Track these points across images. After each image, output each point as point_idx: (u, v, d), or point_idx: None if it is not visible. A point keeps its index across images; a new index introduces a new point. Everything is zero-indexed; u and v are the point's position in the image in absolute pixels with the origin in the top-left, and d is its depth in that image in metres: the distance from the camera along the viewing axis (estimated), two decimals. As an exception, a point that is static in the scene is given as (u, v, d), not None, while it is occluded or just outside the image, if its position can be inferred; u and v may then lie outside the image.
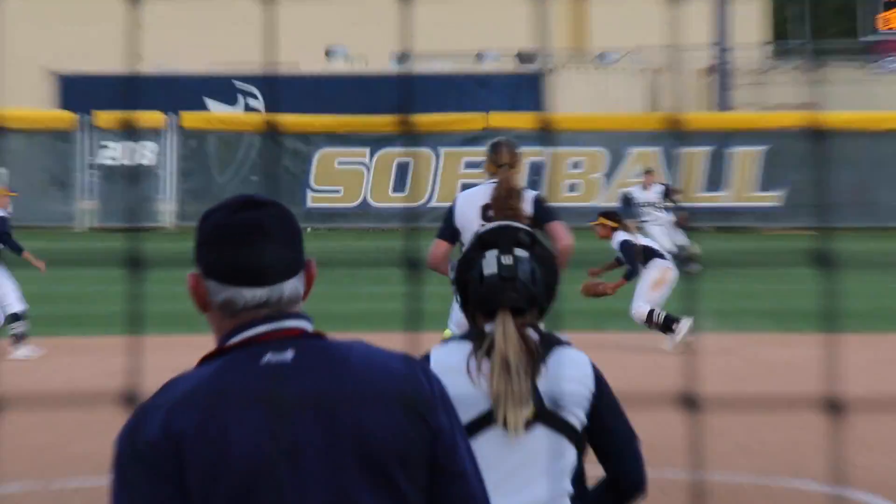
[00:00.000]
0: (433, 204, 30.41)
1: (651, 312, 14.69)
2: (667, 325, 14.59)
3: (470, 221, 8.13)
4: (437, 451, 2.58)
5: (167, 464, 2.44)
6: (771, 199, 31.89)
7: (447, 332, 8.70)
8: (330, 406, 2.50)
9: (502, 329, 3.88)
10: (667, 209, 21.87)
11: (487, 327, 3.91)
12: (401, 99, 29.49)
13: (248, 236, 2.59)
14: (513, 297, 3.92)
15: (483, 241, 4.00)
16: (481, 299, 3.93)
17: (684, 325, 14.19)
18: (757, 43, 42.12)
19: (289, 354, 2.54)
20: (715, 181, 32.35)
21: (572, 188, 32.18)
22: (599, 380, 3.95)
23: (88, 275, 22.40)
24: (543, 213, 8.49)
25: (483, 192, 8.47)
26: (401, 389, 2.57)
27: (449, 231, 8.43)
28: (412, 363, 2.67)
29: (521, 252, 3.99)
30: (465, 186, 31.17)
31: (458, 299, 4.16)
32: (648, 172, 23.97)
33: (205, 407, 2.49)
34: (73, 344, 15.37)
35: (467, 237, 7.32)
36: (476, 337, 3.91)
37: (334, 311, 15.25)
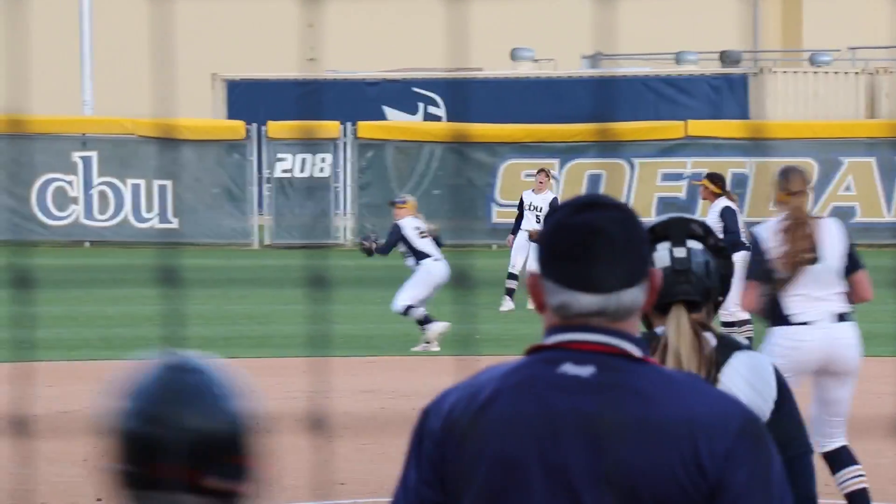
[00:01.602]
0: (628, 220, 30.26)
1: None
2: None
3: (774, 253, 8.55)
4: None
5: (436, 451, 2.61)
6: None
7: None
8: (602, 431, 2.53)
9: (676, 323, 3.97)
10: None
11: (659, 329, 3.99)
12: (596, 105, 29.34)
13: (588, 239, 2.63)
14: (686, 289, 4.03)
15: (655, 234, 4.06)
16: None
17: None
18: None
19: (589, 369, 2.58)
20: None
21: (777, 203, 31.67)
22: (783, 388, 4.00)
23: (265, 293, 22.98)
24: (850, 261, 8.65)
25: (777, 221, 8.69)
26: (691, 432, 2.53)
27: (762, 270, 8.64)
28: (732, 408, 2.65)
29: (694, 244, 4.12)
30: (662, 200, 31.11)
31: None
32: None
33: (481, 407, 2.61)
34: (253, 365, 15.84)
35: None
36: (648, 339, 3.87)
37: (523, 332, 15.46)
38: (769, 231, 8.65)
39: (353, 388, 14.13)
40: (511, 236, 21.95)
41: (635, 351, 2.61)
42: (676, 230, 4.14)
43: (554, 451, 2.56)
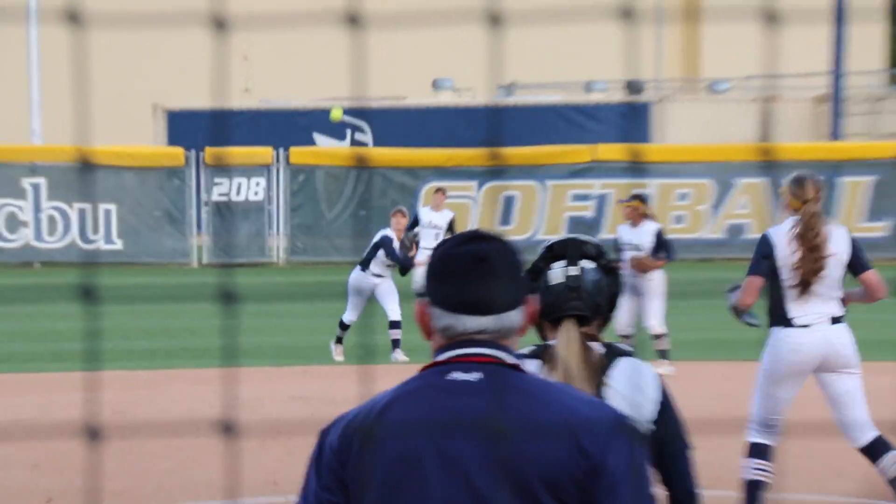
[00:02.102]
0: (539, 237, 31.33)
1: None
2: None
3: (785, 258, 8.37)
4: (593, 488, 2.84)
5: (335, 460, 2.93)
6: (878, 229, 32.37)
7: None
8: (492, 426, 2.84)
9: (566, 336, 4.29)
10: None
11: (553, 341, 4.32)
12: (490, 131, 30.18)
13: (473, 266, 2.92)
14: (577, 304, 4.34)
15: (553, 253, 4.46)
16: (547, 307, 4.26)
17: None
18: (876, 69, 42.44)
19: (477, 375, 2.89)
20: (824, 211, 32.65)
21: (679, 220, 32.81)
22: (664, 391, 4.25)
23: (203, 309, 23.35)
24: (857, 262, 8.55)
25: (789, 227, 8.46)
26: (571, 426, 2.85)
27: (767, 268, 8.48)
28: (601, 409, 3.07)
29: (587, 263, 4.43)
30: (572, 219, 32.42)
31: None
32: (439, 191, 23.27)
33: (379, 413, 2.91)
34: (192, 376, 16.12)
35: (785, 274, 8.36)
36: (543, 350, 4.32)
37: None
38: (781, 235, 8.42)
39: (286, 395, 14.53)
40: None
41: (517, 363, 2.94)
42: (572, 250, 4.42)
43: (449, 446, 2.84)
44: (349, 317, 17.15)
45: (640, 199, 15.90)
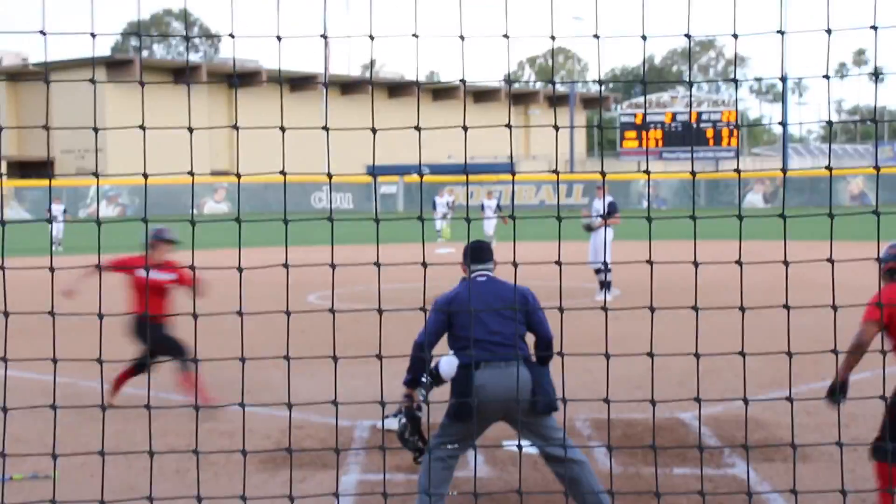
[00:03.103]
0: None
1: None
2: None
3: None
4: (528, 311, 7.99)
5: (445, 308, 7.95)
6: None
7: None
8: (497, 290, 8.09)
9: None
10: None
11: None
12: None
13: (479, 245, 8.41)
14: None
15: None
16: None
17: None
18: None
19: (485, 278, 8.20)
20: None
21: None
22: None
23: None
24: None
25: None
26: (519, 289, 7.86)
27: None
28: (523, 289, 8.01)
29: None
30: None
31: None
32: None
33: (458, 291, 8.08)
34: None
35: None
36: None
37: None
38: None
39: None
40: None
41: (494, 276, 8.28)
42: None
43: (481, 299, 7.89)
44: None
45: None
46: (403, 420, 8.00)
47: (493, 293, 7.96)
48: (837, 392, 7.52)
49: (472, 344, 7.51)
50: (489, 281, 8.14)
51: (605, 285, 17.35)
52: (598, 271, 22.32)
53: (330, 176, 5.00)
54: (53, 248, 38.70)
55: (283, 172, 5.06)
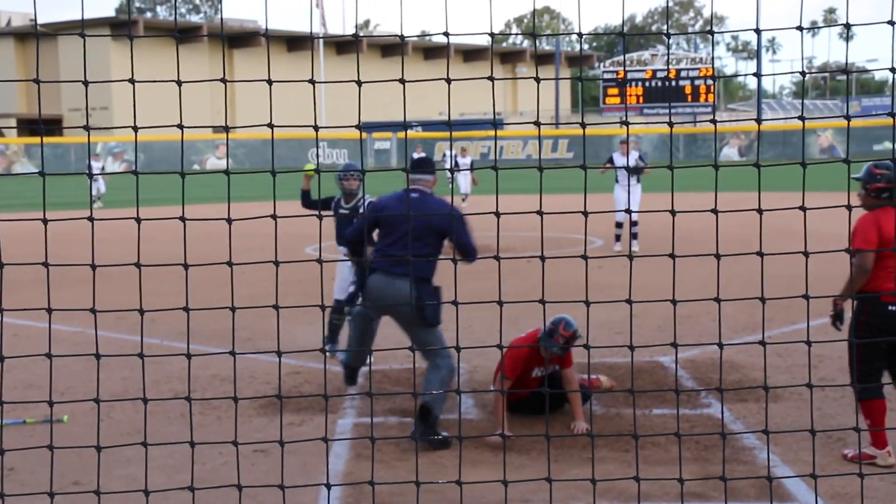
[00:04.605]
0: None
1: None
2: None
3: None
4: (452, 228, 8.20)
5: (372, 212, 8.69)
6: None
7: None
8: (425, 207, 8.46)
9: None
10: None
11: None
12: None
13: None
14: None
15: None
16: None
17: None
18: None
19: (416, 194, 8.62)
20: None
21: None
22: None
23: None
24: None
25: None
26: (448, 209, 8.39)
27: None
28: (451, 209, 7.94)
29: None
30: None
31: None
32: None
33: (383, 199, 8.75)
34: None
35: None
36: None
37: None
38: None
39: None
40: None
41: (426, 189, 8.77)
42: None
43: (401, 210, 8.39)
44: None
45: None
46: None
47: (420, 209, 8.41)
48: (842, 318, 7.69)
49: (375, 249, 8.58)
50: (422, 196, 8.62)
51: (634, 236, 19.47)
52: (620, 224, 21.80)
53: (317, 128, 4.93)
54: (94, 205, 38.08)
55: (270, 125, 4.99)
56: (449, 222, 8.26)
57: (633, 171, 21.23)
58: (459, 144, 60.37)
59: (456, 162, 36.64)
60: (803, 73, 5.32)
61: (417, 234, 8.33)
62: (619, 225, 21.75)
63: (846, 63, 5.77)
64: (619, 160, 21.52)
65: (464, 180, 36.09)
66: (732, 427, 8.57)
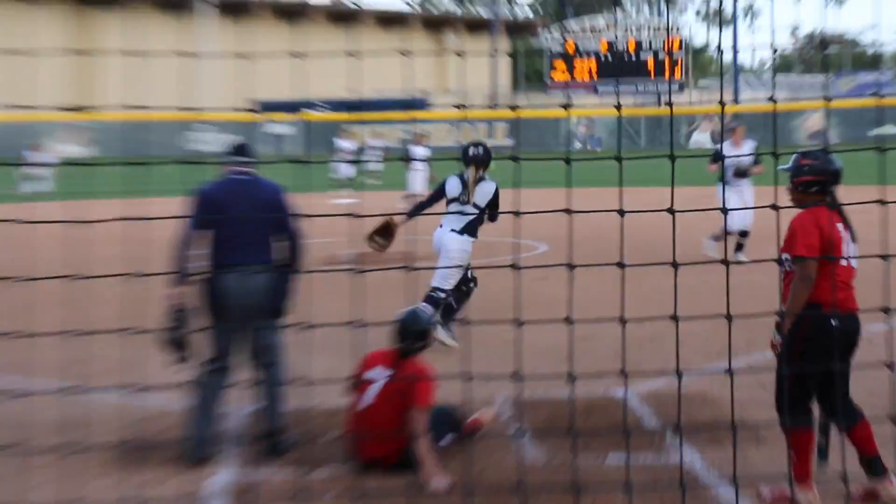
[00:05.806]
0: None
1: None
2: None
3: None
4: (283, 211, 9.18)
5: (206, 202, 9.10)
6: None
7: None
8: (255, 192, 9.19)
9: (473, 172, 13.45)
10: None
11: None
12: None
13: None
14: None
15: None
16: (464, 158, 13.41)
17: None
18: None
19: (246, 177, 9.27)
20: None
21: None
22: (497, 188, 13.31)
23: None
24: None
25: None
26: (278, 192, 9.28)
27: None
28: (280, 191, 9.27)
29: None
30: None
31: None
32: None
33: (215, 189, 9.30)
34: None
35: None
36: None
37: None
38: None
39: None
40: None
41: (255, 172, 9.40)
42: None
43: (238, 200, 9.02)
44: None
45: None
46: (177, 318, 8.87)
47: (250, 194, 9.08)
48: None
49: (220, 246, 8.92)
50: (251, 180, 9.25)
51: (740, 247, 19.96)
52: (731, 232, 20.46)
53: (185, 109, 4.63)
54: None
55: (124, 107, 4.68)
56: (282, 203, 9.11)
57: (738, 175, 20.42)
58: (417, 131, 59.90)
59: (408, 152, 34.82)
60: (774, 50, 5.07)
61: (258, 220, 8.98)
62: (741, 233, 20.51)
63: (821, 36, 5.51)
64: (730, 151, 20.22)
65: (419, 177, 32.34)
66: (704, 477, 8.35)
